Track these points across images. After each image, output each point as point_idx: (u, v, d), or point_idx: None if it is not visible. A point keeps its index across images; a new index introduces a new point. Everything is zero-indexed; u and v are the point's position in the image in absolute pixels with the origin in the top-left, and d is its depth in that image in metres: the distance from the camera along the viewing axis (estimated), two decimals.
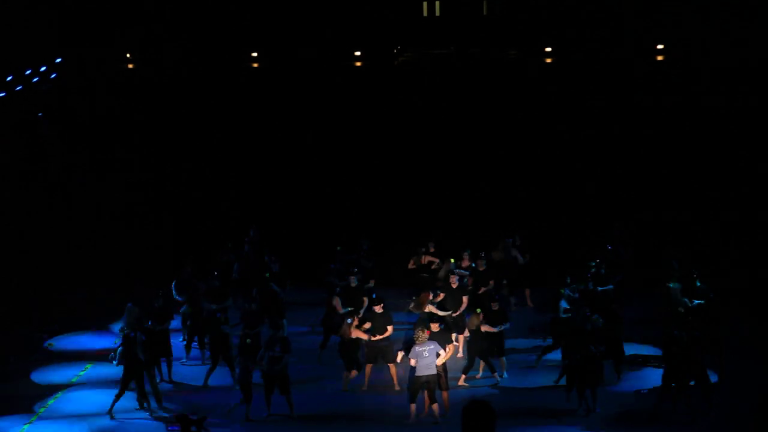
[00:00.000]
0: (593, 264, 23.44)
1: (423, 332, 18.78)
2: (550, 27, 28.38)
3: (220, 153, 29.66)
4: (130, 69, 28.70)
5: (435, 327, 19.41)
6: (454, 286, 22.24)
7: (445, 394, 19.12)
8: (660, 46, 28.52)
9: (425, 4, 28.87)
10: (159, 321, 20.92)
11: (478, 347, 20.59)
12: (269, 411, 19.14)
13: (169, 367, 21.19)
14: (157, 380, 20.14)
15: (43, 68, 27.22)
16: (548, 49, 28.83)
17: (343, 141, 29.63)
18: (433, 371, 18.66)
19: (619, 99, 28.93)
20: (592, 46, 28.31)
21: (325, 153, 29.67)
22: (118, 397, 19.29)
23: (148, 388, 19.49)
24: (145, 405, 19.49)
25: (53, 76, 27.60)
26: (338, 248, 24.84)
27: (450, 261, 23.90)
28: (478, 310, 20.68)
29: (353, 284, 22.49)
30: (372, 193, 29.39)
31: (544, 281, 24.53)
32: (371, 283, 23.79)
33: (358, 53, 28.96)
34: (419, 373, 18.58)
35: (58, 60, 27.41)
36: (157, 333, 20.61)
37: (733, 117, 28.43)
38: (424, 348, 18.59)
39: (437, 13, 28.97)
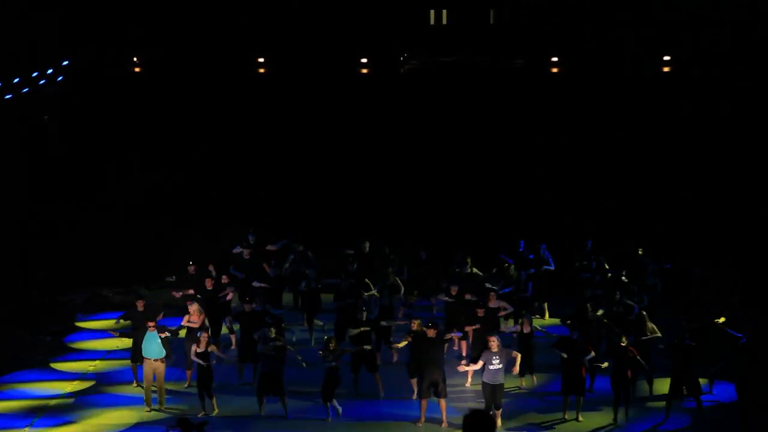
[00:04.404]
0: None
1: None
2: (557, 36, 28.38)
3: (225, 158, 29.73)
4: (136, 72, 28.77)
5: (431, 333, 19.29)
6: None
7: (442, 402, 19.06)
8: (667, 57, 28.50)
9: (432, 12, 28.91)
10: None
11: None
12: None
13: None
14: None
15: (49, 71, 27.31)
16: (555, 59, 28.83)
17: (349, 148, 29.66)
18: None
19: (626, 108, 28.91)
20: (598, 55, 28.28)
21: (331, 159, 29.71)
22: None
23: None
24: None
25: (60, 78, 27.67)
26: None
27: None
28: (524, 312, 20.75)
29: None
30: (377, 198, 29.41)
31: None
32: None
33: (364, 60, 29.00)
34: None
35: (65, 63, 27.49)
36: None
37: (743, 127, 28.40)
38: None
39: (444, 22, 29.00)
